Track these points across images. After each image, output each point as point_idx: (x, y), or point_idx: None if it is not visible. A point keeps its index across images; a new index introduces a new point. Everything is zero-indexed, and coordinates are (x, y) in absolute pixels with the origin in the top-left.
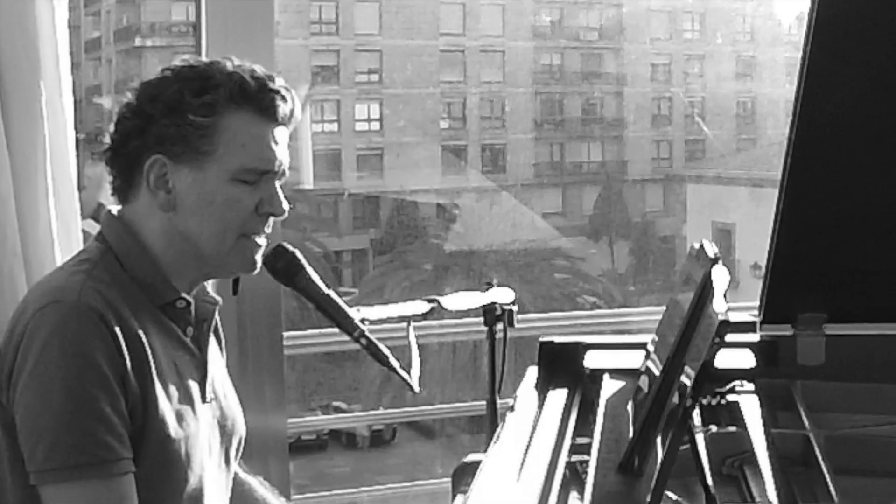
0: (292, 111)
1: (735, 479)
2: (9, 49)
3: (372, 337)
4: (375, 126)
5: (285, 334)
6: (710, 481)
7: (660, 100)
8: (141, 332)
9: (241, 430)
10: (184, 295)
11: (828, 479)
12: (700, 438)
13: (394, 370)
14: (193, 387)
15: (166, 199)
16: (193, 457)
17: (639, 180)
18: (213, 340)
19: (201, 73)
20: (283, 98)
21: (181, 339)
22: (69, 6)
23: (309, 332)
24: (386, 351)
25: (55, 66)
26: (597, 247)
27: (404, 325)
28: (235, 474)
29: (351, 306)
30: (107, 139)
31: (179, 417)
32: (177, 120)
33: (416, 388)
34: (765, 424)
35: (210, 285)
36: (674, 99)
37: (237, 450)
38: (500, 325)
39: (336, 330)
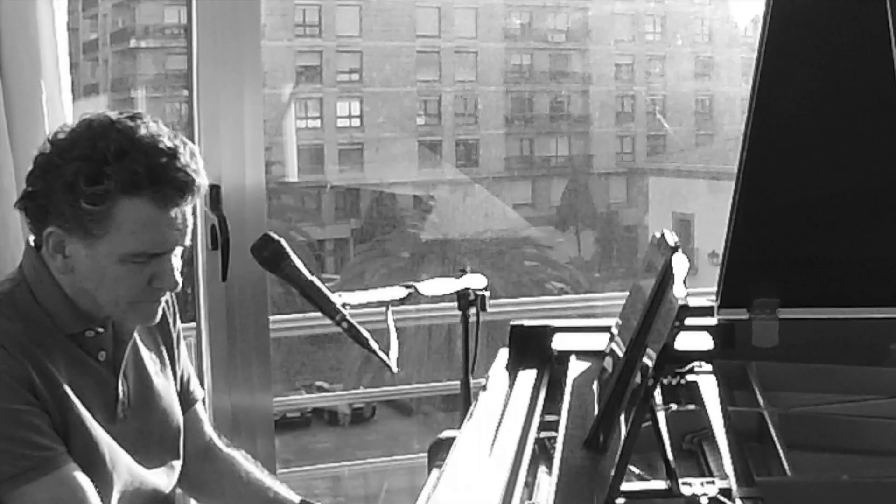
0: (192, 187)
1: (694, 454)
2: (11, 50)
3: (353, 321)
4: (356, 122)
5: (271, 318)
6: (670, 456)
7: (623, 98)
8: (48, 362)
9: (172, 427)
10: (92, 326)
11: (781, 454)
12: (661, 416)
13: (373, 352)
14: (103, 409)
15: (63, 264)
16: (118, 465)
17: (603, 173)
18: (140, 348)
19: (98, 156)
20: (182, 186)
21: (91, 366)
22: (68, 10)
23: (293, 316)
24: (366, 334)
25: (55, 66)
26: (564, 236)
27: (383, 309)
28: (215, 447)
29: (333, 292)
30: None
31: (92, 437)
32: (71, 201)
33: (395, 369)
34: (722, 403)
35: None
36: (636, 97)
37: (174, 442)
38: (473, 310)
39: (319, 314)
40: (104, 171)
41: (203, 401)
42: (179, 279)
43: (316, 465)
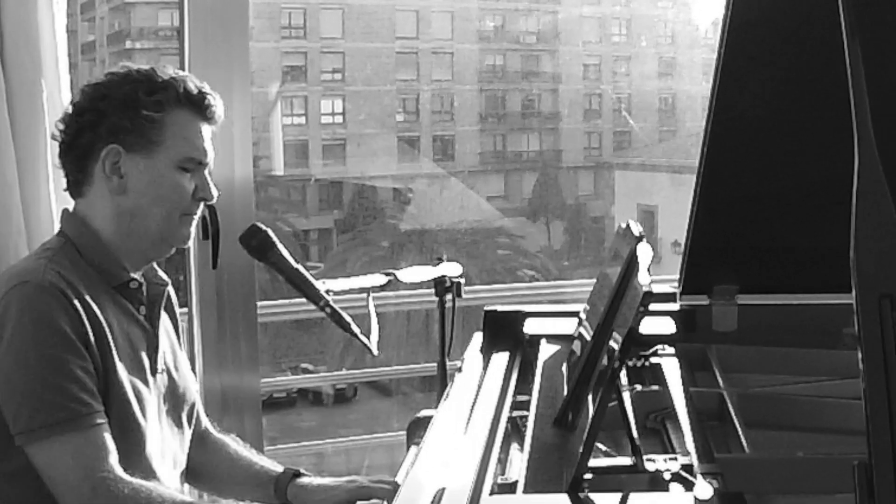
0: (220, 114)
1: (658, 432)
2: (14, 51)
3: (336, 306)
4: (339, 119)
5: (259, 304)
6: (635, 434)
7: (591, 96)
8: (97, 309)
9: (190, 398)
10: (135, 276)
11: (740, 432)
12: (626, 396)
13: (355, 335)
14: (145, 359)
15: (119, 184)
16: (147, 420)
17: (572, 167)
18: (165, 318)
19: (149, 76)
20: (217, 102)
21: (135, 316)
22: (67, 13)
23: (280, 301)
24: (348, 318)
25: (55, 67)
26: (535, 226)
27: (364, 295)
28: (210, 434)
29: (317, 279)
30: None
31: (134, 385)
32: (130, 114)
33: (375, 352)
34: (684, 384)
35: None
36: (603, 95)
37: (189, 415)
38: (449, 296)
39: (304, 300)
40: (161, 84)
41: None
42: (216, 192)
43: (301, 442)
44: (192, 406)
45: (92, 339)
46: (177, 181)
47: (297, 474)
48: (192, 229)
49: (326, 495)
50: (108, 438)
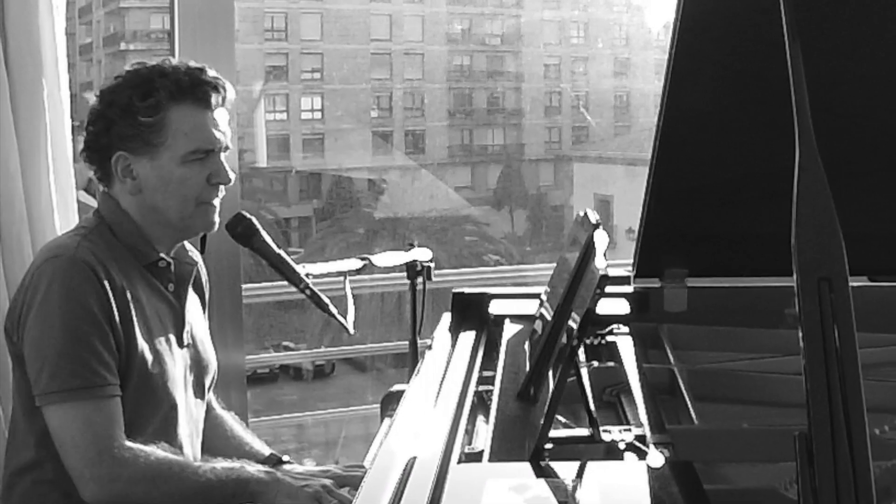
0: (224, 95)
1: (613, 405)
2: (17, 52)
3: (315, 288)
4: (318, 115)
5: (244, 286)
6: (592, 407)
7: (551, 94)
8: (126, 285)
9: (212, 370)
10: (163, 255)
11: (689, 405)
12: (584, 372)
13: (333, 315)
14: (173, 333)
15: (133, 185)
16: (169, 388)
17: (534, 160)
18: (193, 296)
19: (144, 78)
20: (215, 87)
21: (163, 293)
22: (66, 17)
23: (263, 284)
24: (326, 300)
25: (55, 66)
26: (499, 214)
27: (341, 278)
28: (212, 409)
29: (297, 263)
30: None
31: (158, 356)
32: (130, 121)
33: (351, 331)
34: (637, 360)
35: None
36: (563, 93)
37: (209, 386)
38: (420, 279)
39: (286, 283)
40: (152, 86)
41: None
42: (232, 175)
43: (283, 414)
44: (213, 379)
45: (116, 315)
46: (184, 175)
47: (281, 461)
48: (215, 216)
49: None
50: (118, 410)
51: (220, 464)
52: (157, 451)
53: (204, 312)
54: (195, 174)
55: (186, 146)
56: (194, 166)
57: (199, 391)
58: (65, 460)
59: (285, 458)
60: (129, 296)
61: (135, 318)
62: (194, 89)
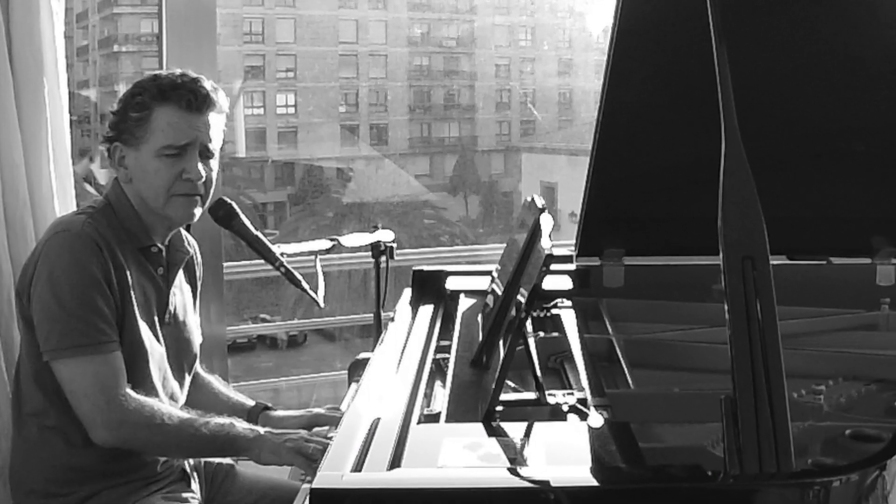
0: (209, 99)
1: (557, 371)
2: (20, 53)
3: (289, 266)
4: (291, 110)
5: (224, 264)
6: (538, 373)
7: (501, 91)
8: (123, 262)
9: (194, 349)
10: (156, 243)
11: (626, 371)
12: (531, 341)
13: (305, 291)
14: (155, 310)
15: (124, 174)
16: (153, 359)
17: (486, 151)
18: (182, 280)
19: (141, 81)
20: (194, 91)
21: (152, 274)
22: (65, 21)
23: (242, 262)
24: (299, 276)
25: (54, 66)
26: (455, 200)
27: (312, 257)
28: (199, 375)
29: (273, 244)
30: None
31: (143, 329)
32: (123, 115)
33: (322, 304)
34: (579, 331)
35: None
36: (512, 90)
37: (190, 364)
38: (383, 258)
39: (262, 261)
40: (142, 87)
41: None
42: (204, 173)
43: (260, 380)
44: (194, 357)
45: (115, 283)
46: (157, 167)
47: (267, 408)
48: (193, 209)
49: (290, 422)
50: (122, 363)
51: (213, 420)
52: (159, 402)
53: (195, 299)
54: (167, 167)
55: (162, 141)
56: (167, 160)
57: (177, 365)
58: (76, 409)
59: (270, 405)
60: (125, 270)
61: (131, 292)
62: (176, 91)
